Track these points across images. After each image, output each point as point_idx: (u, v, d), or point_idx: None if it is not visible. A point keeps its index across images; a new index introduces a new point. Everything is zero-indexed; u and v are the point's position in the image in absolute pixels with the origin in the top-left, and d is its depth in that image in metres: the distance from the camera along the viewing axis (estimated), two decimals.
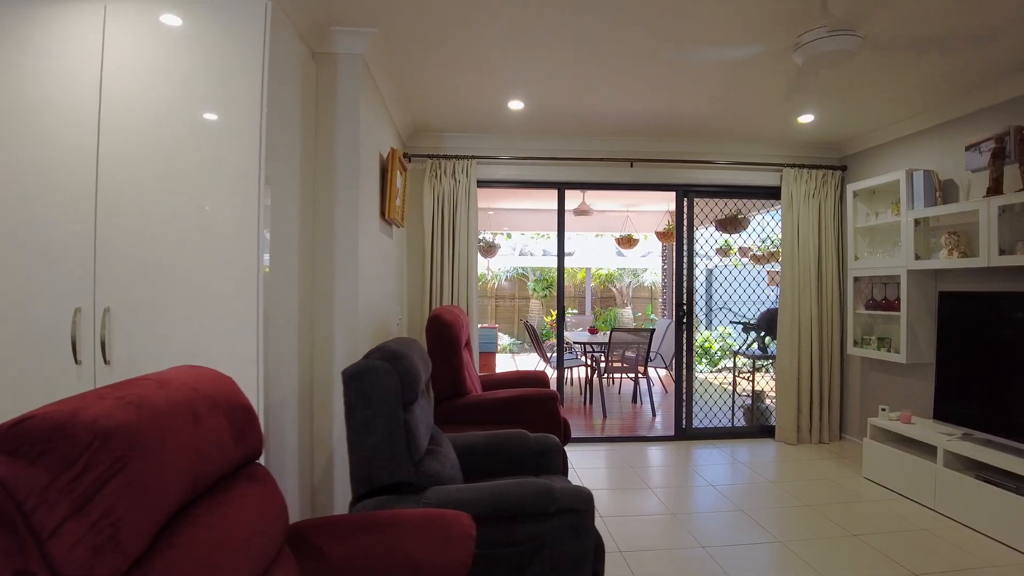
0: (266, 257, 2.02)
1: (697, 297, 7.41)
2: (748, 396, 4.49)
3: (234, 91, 1.70)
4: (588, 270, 8.64)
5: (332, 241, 2.35)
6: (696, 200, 4.37)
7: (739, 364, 4.92)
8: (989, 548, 2.43)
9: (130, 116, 1.61)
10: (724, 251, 5.80)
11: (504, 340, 8.35)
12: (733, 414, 4.53)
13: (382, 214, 2.82)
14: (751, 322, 4.67)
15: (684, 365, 4.04)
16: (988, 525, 2.54)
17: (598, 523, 2.63)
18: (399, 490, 1.70)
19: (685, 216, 4.00)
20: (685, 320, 4.02)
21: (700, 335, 6.40)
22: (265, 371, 1.80)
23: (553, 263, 8.93)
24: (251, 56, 1.73)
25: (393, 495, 1.68)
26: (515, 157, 3.74)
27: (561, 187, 3.89)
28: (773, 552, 2.40)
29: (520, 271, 9.05)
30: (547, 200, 5.81)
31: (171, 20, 1.65)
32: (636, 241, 5.91)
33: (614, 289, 9.04)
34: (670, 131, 3.73)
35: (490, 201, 5.98)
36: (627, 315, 8.68)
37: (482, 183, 3.78)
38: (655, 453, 3.78)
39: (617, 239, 5.88)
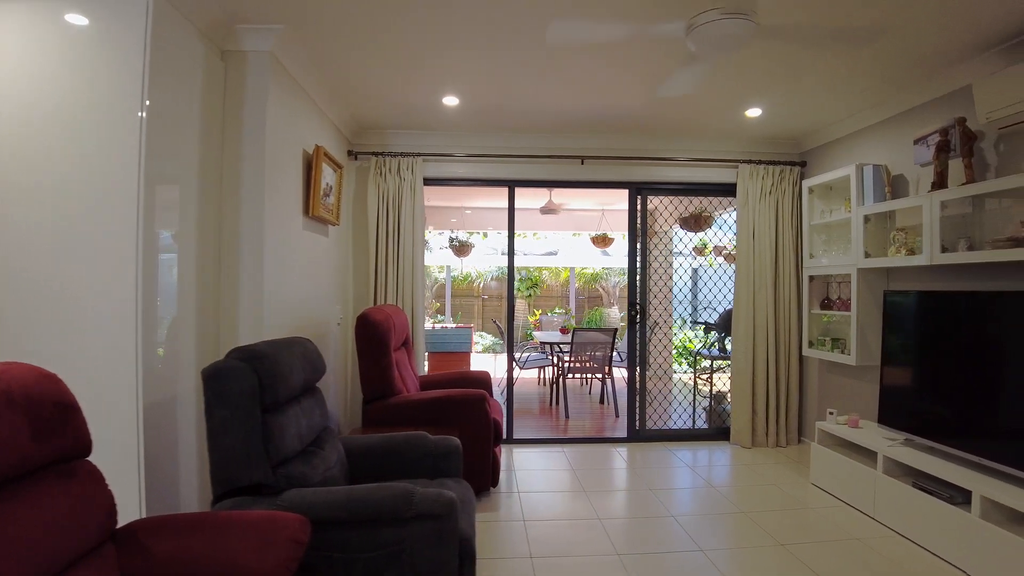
0: (164, 256, 2.03)
1: (682, 297, 7.24)
2: (710, 398, 4.38)
3: (115, 90, 1.71)
4: (572, 270, 8.54)
5: (238, 239, 2.35)
6: (663, 198, 4.28)
7: (703, 365, 4.80)
8: (921, 560, 2.31)
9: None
10: (700, 250, 5.66)
11: (488, 340, 8.32)
12: (694, 416, 4.42)
13: (306, 212, 2.81)
14: (711, 322, 4.55)
15: (637, 366, 3.95)
16: (922, 536, 2.42)
17: (517, 527, 2.59)
18: (259, 491, 1.68)
19: (639, 214, 3.91)
20: (639, 319, 3.93)
21: (679, 336, 6.27)
22: (145, 370, 1.81)
23: (536, 262, 8.89)
24: (132, 55, 1.74)
25: (251, 496, 1.66)
26: (463, 154, 3.70)
27: (511, 184, 3.84)
28: (688, 561, 2.31)
29: (505, 270, 8.97)
30: (521, 198, 5.77)
31: (68, 19, 1.68)
32: (611, 240, 5.81)
33: (601, 289, 8.92)
34: (621, 128, 3.66)
35: (463, 200, 5.96)
36: (614, 315, 8.55)
37: (431, 181, 3.75)
38: (604, 455, 3.71)
39: (592, 238, 5.80)
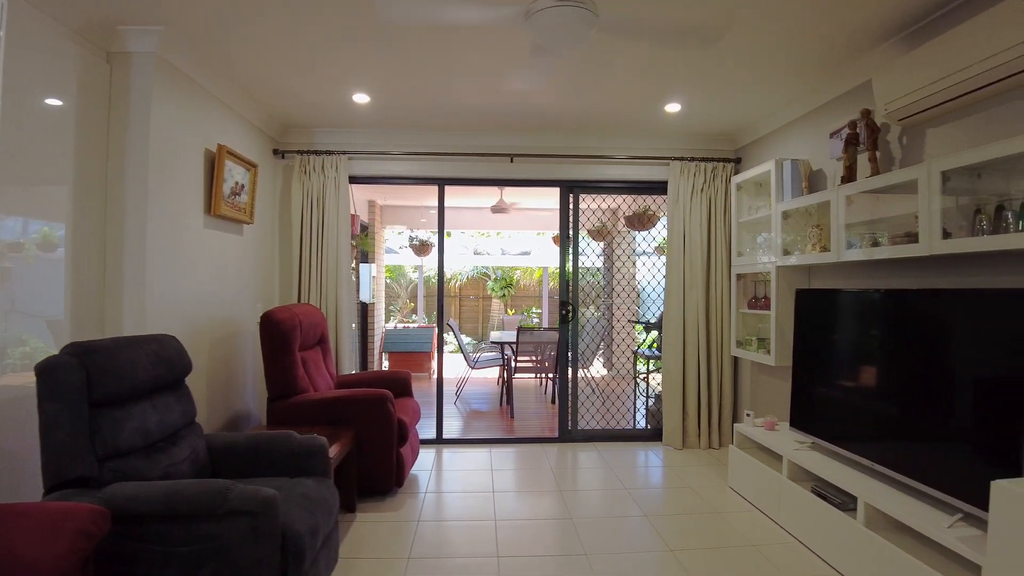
0: (41, 255, 2.07)
1: (653, 296, 7.12)
2: (646, 398, 4.30)
3: None
4: (545, 269, 8.47)
5: (122, 238, 2.37)
6: (601, 196, 4.22)
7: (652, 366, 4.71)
8: (814, 568, 2.24)
9: None
10: (662, 249, 5.58)
11: (462, 339, 8.27)
12: (635, 417, 4.35)
13: (208, 210, 2.83)
14: (651, 321, 4.47)
15: (568, 366, 3.90)
16: (817, 542, 2.34)
17: (408, 528, 2.57)
18: (87, 484, 1.70)
19: (571, 212, 3.86)
20: (571, 319, 3.88)
21: (647, 336, 6.18)
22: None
23: (513, 262, 8.84)
24: None
25: (78, 489, 1.68)
26: (390, 152, 3.70)
27: (441, 183, 3.82)
28: (567, 564, 2.27)
29: (481, 270, 8.99)
30: (484, 197, 5.75)
31: None
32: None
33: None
34: (550, 125, 3.62)
35: (429, 200, 5.96)
36: (589, 314, 8.47)
37: (359, 179, 3.75)
38: (531, 456, 3.66)
39: (554, 237, 5.74)
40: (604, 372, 6.43)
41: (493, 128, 3.66)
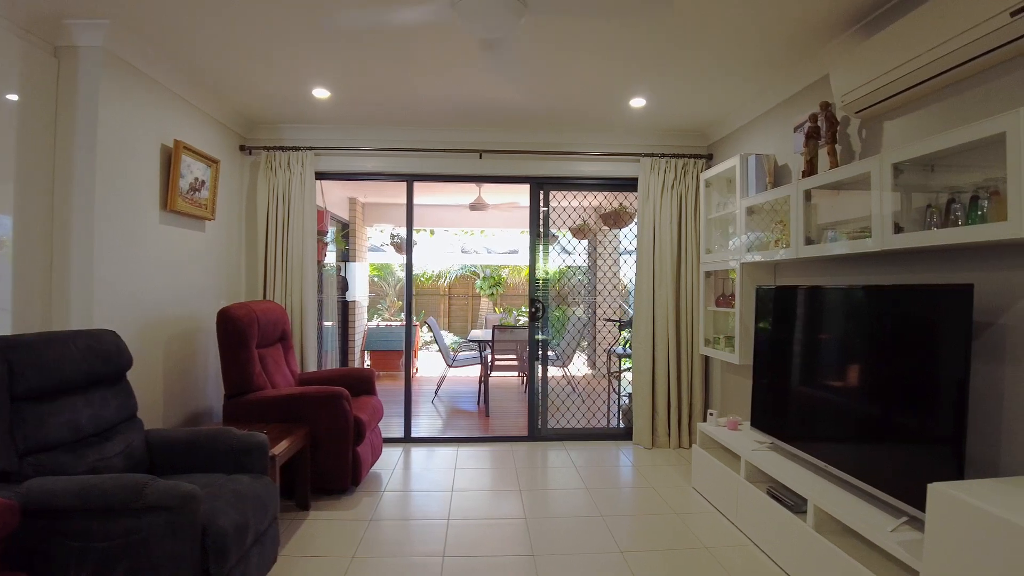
0: None
1: (627, 293, 7.07)
2: (618, 396, 4.26)
3: None
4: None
5: (69, 233, 2.36)
6: (592, 195, 4.16)
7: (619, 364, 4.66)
8: (765, 572, 2.18)
9: None
10: None
11: (448, 339, 8.26)
12: (608, 416, 4.30)
13: (164, 206, 2.82)
14: (623, 320, 4.42)
15: (537, 364, 3.86)
16: (770, 545, 2.29)
17: (359, 526, 2.54)
18: (8, 478, 1.68)
19: (541, 210, 3.82)
20: (540, 316, 3.83)
21: (620, 334, 6.14)
22: None
23: (501, 260, 8.78)
24: None
25: None
26: (356, 148, 3.67)
27: (409, 179, 3.79)
28: (512, 565, 2.23)
29: (471, 269, 8.95)
30: (465, 195, 5.72)
31: None
32: (554, 238, 5.70)
33: (566, 288, 8.79)
34: (519, 121, 3.58)
35: (399, 198, 5.93)
36: (571, 313, 8.42)
37: (326, 175, 3.73)
38: (498, 455, 3.62)
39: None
40: (587, 371, 6.38)
41: (461, 124, 3.63)
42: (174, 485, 1.62)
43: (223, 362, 2.85)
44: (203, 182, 3.07)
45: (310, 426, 2.76)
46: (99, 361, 1.98)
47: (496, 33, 1.80)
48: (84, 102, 2.38)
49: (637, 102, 3.16)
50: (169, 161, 2.83)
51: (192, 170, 2.96)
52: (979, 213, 1.75)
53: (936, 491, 1.51)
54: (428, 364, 7.14)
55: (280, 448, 2.37)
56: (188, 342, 3.09)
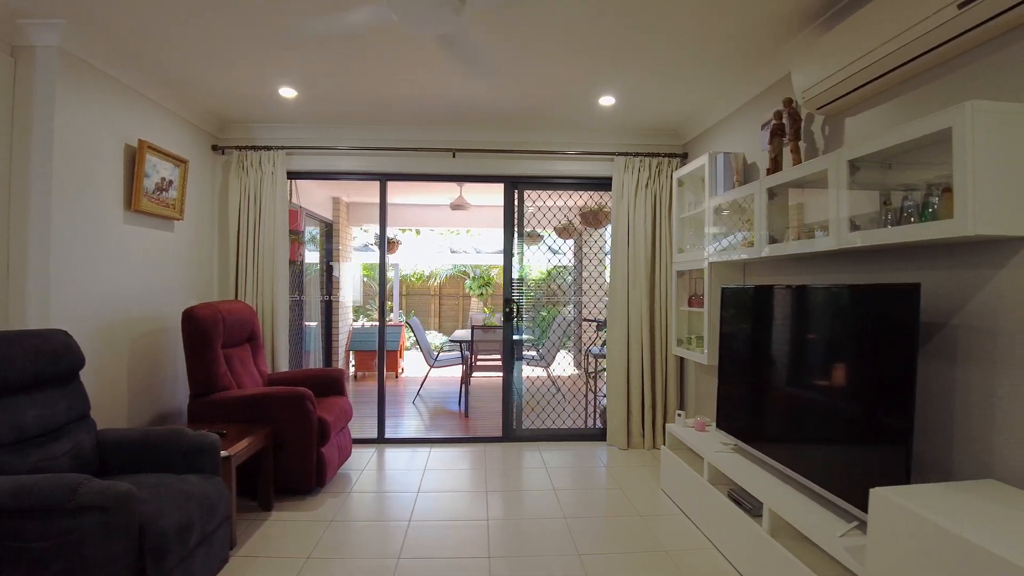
0: None
1: None
2: (594, 395, 4.23)
3: None
4: (521, 268, 8.41)
5: (25, 232, 2.35)
6: (575, 194, 4.12)
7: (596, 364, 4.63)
8: None
9: None
10: None
11: (438, 340, 8.25)
12: (586, 416, 4.27)
13: (128, 206, 2.81)
14: (601, 320, 4.39)
15: (511, 364, 3.83)
16: (730, 549, 2.26)
17: (317, 527, 2.52)
18: None
19: (516, 209, 3.80)
20: (515, 316, 3.81)
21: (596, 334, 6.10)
22: None
23: (490, 260, 8.75)
24: None
25: None
26: (328, 148, 3.65)
27: (382, 179, 3.78)
28: (465, 567, 2.21)
29: (461, 269, 8.93)
30: (448, 194, 5.69)
31: None
32: (539, 237, 5.69)
33: (557, 287, 8.76)
34: (491, 120, 3.55)
35: (390, 197, 5.91)
36: (568, 313, 8.39)
37: (298, 175, 3.72)
38: (471, 456, 3.60)
39: (529, 234, 5.68)
40: (573, 371, 6.34)
41: (434, 123, 3.61)
42: (109, 485, 1.61)
43: (188, 362, 2.84)
44: (171, 182, 3.06)
45: (274, 426, 2.74)
46: (46, 361, 1.97)
47: (439, 28, 1.78)
48: (40, 102, 2.37)
49: (607, 100, 3.13)
50: (133, 161, 2.82)
51: (158, 170, 2.95)
52: (930, 211, 1.71)
53: (878, 496, 1.48)
54: (415, 365, 7.13)
55: (237, 448, 2.35)
56: (155, 342, 3.08)
